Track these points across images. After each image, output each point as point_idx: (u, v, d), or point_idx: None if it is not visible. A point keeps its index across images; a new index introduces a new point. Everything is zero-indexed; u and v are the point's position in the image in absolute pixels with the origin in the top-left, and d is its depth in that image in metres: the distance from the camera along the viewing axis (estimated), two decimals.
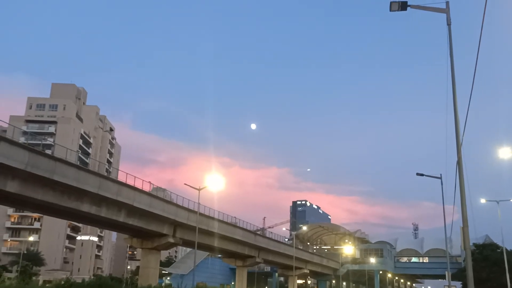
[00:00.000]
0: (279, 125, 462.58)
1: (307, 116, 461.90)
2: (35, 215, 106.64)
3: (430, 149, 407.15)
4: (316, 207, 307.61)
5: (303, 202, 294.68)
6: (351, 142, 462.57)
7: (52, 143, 78.35)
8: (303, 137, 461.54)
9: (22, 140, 73.99)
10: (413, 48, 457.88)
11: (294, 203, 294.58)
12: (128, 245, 61.55)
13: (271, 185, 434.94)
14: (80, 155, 73.10)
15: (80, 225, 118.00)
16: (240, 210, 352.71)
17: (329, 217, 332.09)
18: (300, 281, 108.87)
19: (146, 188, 45.55)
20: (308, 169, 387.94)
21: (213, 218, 58.19)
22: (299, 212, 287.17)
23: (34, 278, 74.86)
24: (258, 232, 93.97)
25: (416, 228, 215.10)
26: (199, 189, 43.60)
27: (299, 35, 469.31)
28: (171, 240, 50.50)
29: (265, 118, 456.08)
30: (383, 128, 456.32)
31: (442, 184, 37.41)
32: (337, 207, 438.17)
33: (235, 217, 71.03)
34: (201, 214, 52.41)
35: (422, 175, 37.24)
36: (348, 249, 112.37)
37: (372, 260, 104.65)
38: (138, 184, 43.88)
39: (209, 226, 56.12)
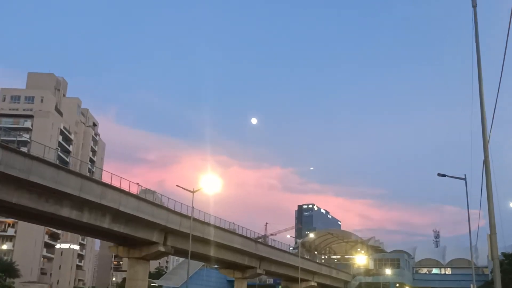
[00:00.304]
0: (282, 123, 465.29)
1: (313, 114, 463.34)
2: (9, 220, 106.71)
3: (453, 148, 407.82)
4: (324, 211, 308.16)
5: (310, 206, 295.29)
6: (364, 140, 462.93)
7: (28, 140, 78.41)
8: (309, 135, 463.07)
9: None
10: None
11: (300, 207, 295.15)
12: (113, 254, 61.65)
13: (273, 187, 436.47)
14: (59, 153, 73.14)
15: (59, 231, 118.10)
16: (239, 215, 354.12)
17: (339, 222, 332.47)
18: None
19: (134, 190, 45.63)
20: (311, 168, 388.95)
21: (208, 224, 58.24)
22: (305, 217, 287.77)
23: None
24: (260, 240, 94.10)
25: (437, 236, 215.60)
26: (193, 192, 43.67)
27: (299, 34, 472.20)
28: (162, 248, 50.61)
29: (267, 115, 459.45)
30: (400, 125, 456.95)
31: (466, 186, 37.40)
32: (348, 212, 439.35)
33: (233, 223, 71.33)
34: (195, 219, 52.49)
35: (444, 175, 37.18)
36: (361, 259, 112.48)
37: (388, 271, 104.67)
38: (125, 186, 43.97)
39: (204, 233, 56.21)
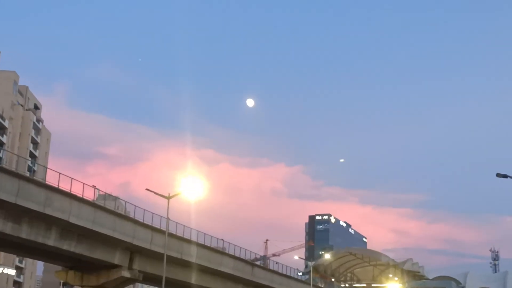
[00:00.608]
0: (288, 105, 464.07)
1: (330, 93, 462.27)
2: None
3: None
4: (344, 224, 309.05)
5: (325, 217, 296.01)
6: (400, 130, 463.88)
7: None
8: (325, 122, 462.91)
9: None
10: None
11: (312, 218, 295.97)
12: (61, 281, 61.98)
13: (276, 191, 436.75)
14: None
15: None
16: (230, 229, 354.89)
17: (364, 239, 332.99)
18: None
19: (89, 195, 45.83)
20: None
21: (189, 241, 58.51)
22: (319, 232, 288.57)
23: None
24: (258, 263, 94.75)
25: (495, 257, 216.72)
26: (168, 198, 43.78)
27: None
28: (126, 274, 50.91)
29: (267, 95, 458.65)
30: (449, 110, 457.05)
31: None
32: (377, 225, 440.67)
33: (222, 239, 71.83)
34: (171, 234, 52.70)
35: (505, 176, 37.29)
36: None
37: None
38: (77, 190, 44.14)
39: (183, 253, 56.51)
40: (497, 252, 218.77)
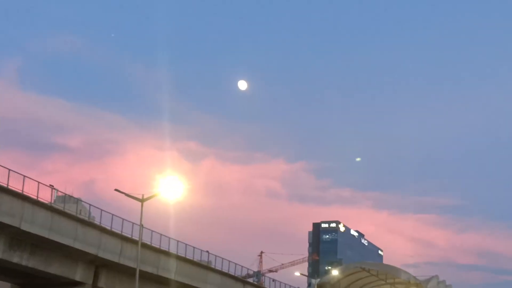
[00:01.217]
0: (288, 88, 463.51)
1: (339, 72, 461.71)
2: None
3: None
4: (356, 233, 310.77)
5: (333, 224, 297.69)
6: (425, 118, 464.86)
7: None
8: (333, 108, 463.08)
9: None
10: None
11: (317, 226, 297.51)
12: None
13: (274, 193, 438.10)
14: None
15: None
16: (218, 238, 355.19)
17: (380, 252, 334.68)
18: None
19: (45, 196, 45.67)
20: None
21: (168, 254, 58.57)
22: (325, 243, 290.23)
23: None
24: (251, 280, 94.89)
25: None
26: (142, 200, 43.73)
27: None
28: None
29: (262, 76, 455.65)
30: (489, 95, 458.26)
31: None
32: (396, 235, 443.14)
33: (207, 251, 71.88)
34: (145, 245, 52.70)
35: None
36: None
37: None
38: (30, 190, 44.00)
39: (160, 268, 56.59)
40: None
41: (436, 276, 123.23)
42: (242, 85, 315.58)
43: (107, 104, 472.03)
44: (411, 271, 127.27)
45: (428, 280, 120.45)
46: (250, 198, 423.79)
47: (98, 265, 51.71)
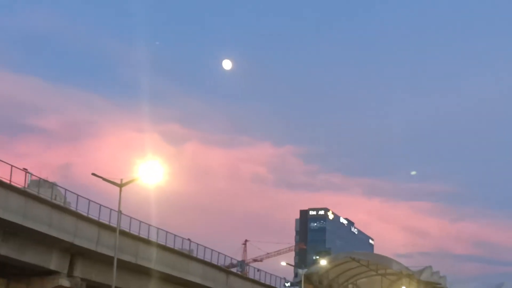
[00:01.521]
0: (276, 67, 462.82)
1: (330, 48, 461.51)
2: None
3: None
4: (346, 222, 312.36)
5: (322, 212, 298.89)
6: (420, 98, 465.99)
7: None
8: (324, 87, 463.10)
9: None
10: None
11: (304, 213, 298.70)
12: None
13: (260, 178, 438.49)
14: None
15: None
16: (200, 226, 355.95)
17: (371, 241, 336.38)
18: None
19: (18, 180, 45.96)
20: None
21: (147, 242, 58.99)
22: (313, 232, 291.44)
23: None
24: (234, 269, 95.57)
25: None
26: (120, 185, 44.12)
27: None
28: (65, 282, 51.39)
29: (249, 55, 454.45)
30: (490, 72, 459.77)
31: None
32: (388, 223, 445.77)
33: (189, 239, 72.33)
34: (124, 232, 53.08)
35: None
36: None
37: None
38: (3, 174, 44.34)
39: (139, 257, 57.00)
40: None
41: (430, 267, 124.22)
42: (227, 64, 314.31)
43: (84, 84, 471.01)
44: (403, 261, 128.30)
45: (421, 271, 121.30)
46: (235, 184, 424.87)
47: (74, 253, 52.01)
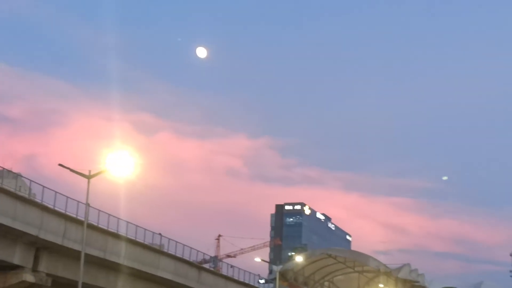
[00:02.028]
0: (252, 56, 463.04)
1: (308, 38, 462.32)
2: None
3: None
4: (323, 217, 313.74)
5: (298, 207, 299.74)
6: (401, 91, 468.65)
7: None
8: (301, 78, 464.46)
9: None
10: None
11: (280, 208, 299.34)
12: None
13: (234, 171, 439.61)
14: None
15: None
16: (172, 220, 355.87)
17: (348, 237, 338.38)
18: None
19: None
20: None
21: (116, 236, 58.57)
22: (288, 227, 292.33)
23: None
24: (207, 265, 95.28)
25: None
26: (89, 177, 43.75)
27: None
28: (30, 277, 50.76)
29: (224, 42, 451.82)
30: (474, 64, 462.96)
31: None
32: (366, 219, 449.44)
33: (160, 234, 71.87)
34: (91, 226, 52.65)
35: None
36: None
37: None
38: None
39: (107, 252, 56.62)
40: None
41: (408, 265, 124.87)
42: (201, 52, 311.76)
43: (51, 70, 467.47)
44: (381, 258, 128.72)
45: (399, 269, 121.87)
46: (209, 177, 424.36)
47: (39, 247, 51.51)
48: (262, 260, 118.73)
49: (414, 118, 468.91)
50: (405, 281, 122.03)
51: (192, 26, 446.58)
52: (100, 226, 57.16)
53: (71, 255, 52.18)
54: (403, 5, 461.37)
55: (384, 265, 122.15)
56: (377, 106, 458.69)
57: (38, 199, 53.09)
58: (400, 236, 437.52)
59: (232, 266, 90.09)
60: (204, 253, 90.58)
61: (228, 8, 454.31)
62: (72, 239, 51.91)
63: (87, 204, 45.90)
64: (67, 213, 53.49)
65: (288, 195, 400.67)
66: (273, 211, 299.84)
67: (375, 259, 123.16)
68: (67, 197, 54.54)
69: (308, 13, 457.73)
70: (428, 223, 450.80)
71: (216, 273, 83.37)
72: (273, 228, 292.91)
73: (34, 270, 51.51)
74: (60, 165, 43.82)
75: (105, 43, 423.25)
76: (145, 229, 65.80)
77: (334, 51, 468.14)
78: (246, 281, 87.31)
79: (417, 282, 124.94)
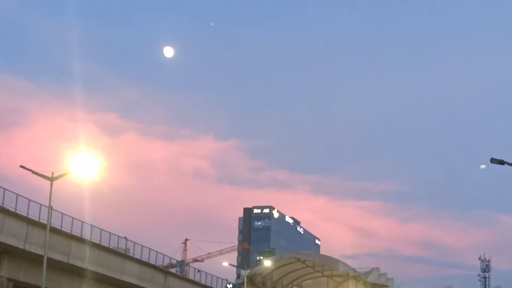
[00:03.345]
0: (221, 56, 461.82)
1: (280, 37, 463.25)
2: None
3: None
4: (291, 221, 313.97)
5: (266, 210, 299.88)
6: (370, 92, 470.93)
7: None
8: (271, 79, 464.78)
9: None
10: None
11: (248, 211, 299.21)
12: None
13: (203, 174, 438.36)
14: None
15: None
16: (138, 223, 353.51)
17: (317, 241, 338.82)
18: None
19: None
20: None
21: (80, 240, 58.14)
22: (257, 231, 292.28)
23: None
24: (173, 270, 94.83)
25: (486, 268, 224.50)
26: (51, 179, 43.29)
27: None
28: None
29: (192, 42, 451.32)
30: (442, 66, 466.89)
31: None
32: (335, 223, 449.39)
33: (125, 237, 71.55)
34: (55, 230, 52.20)
35: (502, 163, 38.79)
36: None
37: None
38: None
39: (71, 256, 56.19)
40: (488, 261, 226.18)
41: (377, 268, 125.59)
42: (168, 52, 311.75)
43: (12, 68, 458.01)
44: (350, 262, 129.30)
45: (368, 273, 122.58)
46: (175, 179, 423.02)
47: (0, 251, 51.03)
48: (230, 264, 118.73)
49: (383, 121, 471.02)
50: (374, 285, 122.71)
51: (159, 25, 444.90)
52: (63, 229, 56.74)
53: (34, 259, 51.69)
54: (371, 13, 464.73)
55: (353, 269, 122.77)
56: (346, 109, 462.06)
57: None
58: (369, 240, 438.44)
59: (199, 271, 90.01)
60: (170, 257, 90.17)
61: (196, 7, 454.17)
62: (35, 243, 51.42)
63: (50, 207, 45.42)
64: (29, 216, 52.97)
65: (256, 198, 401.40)
66: (241, 214, 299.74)
67: (344, 263, 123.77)
68: (29, 200, 54.05)
69: (276, 13, 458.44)
70: (397, 226, 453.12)
71: (183, 278, 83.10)
72: (241, 232, 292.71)
73: None
74: (21, 166, 43.31)
75: (69, 41, 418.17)
76: (110, 233, 65.49)
77: (303, 52, 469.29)
78: (214, 286, 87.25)
79: (386, 286, 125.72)
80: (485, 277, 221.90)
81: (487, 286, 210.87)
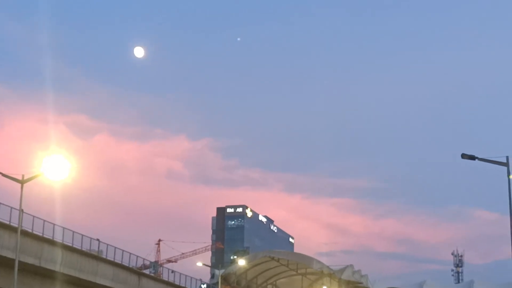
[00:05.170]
0: (191, 54, 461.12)
1: (251, 37, 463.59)
2: None
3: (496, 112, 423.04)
4: (264, 219, 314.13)
5: (239, 209, 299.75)
6: (342, 90, 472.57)
7: None
8: (243, 79, 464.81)
9: None
10: None
11: (221, 211, 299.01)
12: None
13: (174, 174, 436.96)
14: None
15: None
16: (110, 225, 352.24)
17: (291, 240, 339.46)
18: None
19: None
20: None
21: (52, 242, 57.82)
22: (230, 230, 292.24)
23: None
24: (147, 271, 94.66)
25: (459, 263, 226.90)
26: (22, 181, 43.03)
27: None
28: None
29: (163, 42, 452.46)
30: (417, 62, 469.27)
31: (510, 175, 39.52)
32: (308, 221, 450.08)
33: (98, 239, 71.22)
34: (26, 233, 51.86)
35: (473, 158, 39.19)
36: None
37: None
38: None
39: (43, 259, 55.87)
40: (461, 256, 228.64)
41: (351, 266, 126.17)
42: (139, 52, 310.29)
43: None
44: (325, 260, 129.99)
45: (342, 270, 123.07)
46: (148, 180, 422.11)
47: None
48: (204, 264, 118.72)
49: (356, 118, 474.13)
50: (348, 282, 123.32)
51: (129, 25, 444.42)
52: (35, 232, 56.36)
53: (5, 263, 51.30)
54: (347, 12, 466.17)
55: (327, 266, 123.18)
56: (319, 106, 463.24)
57: None
58: (343, 237, 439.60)
59: (173, 271, 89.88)
60: (144, 258, 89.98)
61: (166, 7, 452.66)
62: (5, 247, 51.05)
63: (21, 210, 45.13)
64: (0, 219, 52.58)
65: (230, 198, 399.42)
66: (214, 214, 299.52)
67: (318, 261, 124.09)
68: (0, 203, 53.65)
69: (247, 14, 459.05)
70: (371, 223, 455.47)
71: (156, 279, 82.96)
72: (214, 231, 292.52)
73: None
74: None
75: (39, 43, 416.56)
76: (83, 235, 65.14)
77: (275, 51, 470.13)
78: (188, 286, 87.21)
79: (361, 283, 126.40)
80: (458, 272, 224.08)
81: (460, 281, 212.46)
